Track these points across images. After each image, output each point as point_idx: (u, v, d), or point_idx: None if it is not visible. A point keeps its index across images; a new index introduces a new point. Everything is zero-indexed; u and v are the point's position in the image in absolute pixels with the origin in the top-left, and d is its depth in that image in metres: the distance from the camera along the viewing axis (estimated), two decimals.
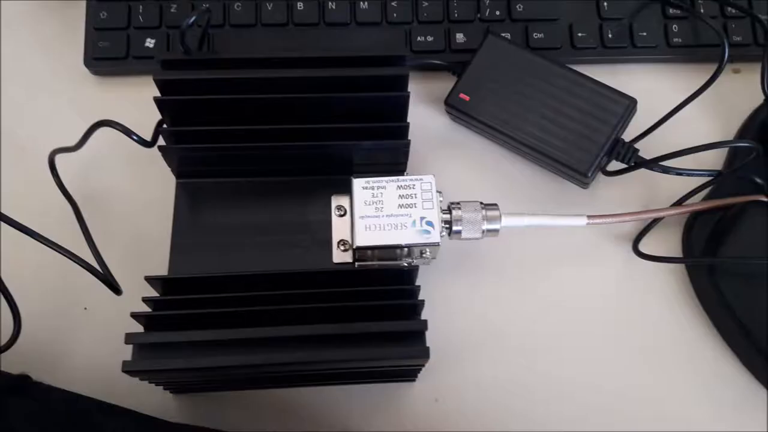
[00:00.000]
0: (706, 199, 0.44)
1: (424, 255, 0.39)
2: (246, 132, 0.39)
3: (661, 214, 0.43)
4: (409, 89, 0.39)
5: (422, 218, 0.38)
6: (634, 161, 0.43)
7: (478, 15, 0.48)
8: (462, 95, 0.45)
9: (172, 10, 0.47)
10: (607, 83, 0.43)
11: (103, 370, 0.41)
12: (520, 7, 0.48)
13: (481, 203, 0.40)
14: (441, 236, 0.38)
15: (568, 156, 0.43)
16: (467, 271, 0.44)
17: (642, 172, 0.43)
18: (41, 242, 0.36)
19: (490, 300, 0.43)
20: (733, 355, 0.42)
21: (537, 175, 0.46)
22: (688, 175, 0.43)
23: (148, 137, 0.41)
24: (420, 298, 0.35)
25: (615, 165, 0.44)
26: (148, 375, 0.35)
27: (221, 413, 0.41)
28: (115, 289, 0.38)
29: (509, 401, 0.41)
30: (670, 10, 0.48)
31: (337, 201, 0.41)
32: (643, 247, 0.43)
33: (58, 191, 0.42)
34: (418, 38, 0.47)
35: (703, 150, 0.41)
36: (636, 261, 0.43)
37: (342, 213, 0.41)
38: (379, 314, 0.34)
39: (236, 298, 0.35)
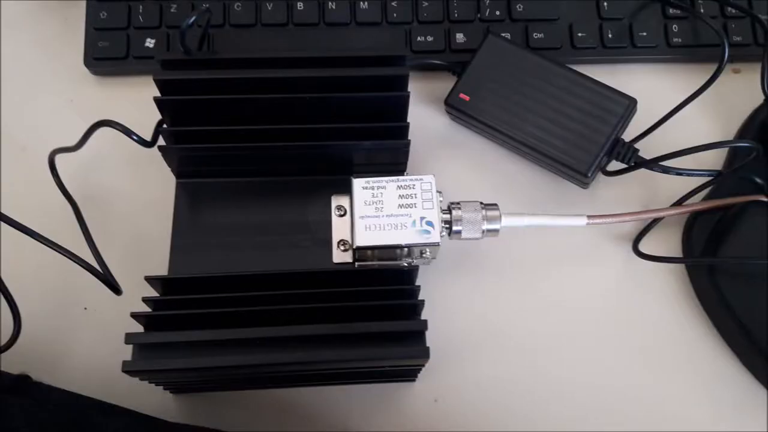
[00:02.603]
0: (706, 199, 0.44)
1: (424, 255, 0.39)
2: (246, 132, 0.39)
3: (661, 214, 0.43)
4: (409, 89, 0.39)
5: (422, 218, 0.38)
6: (634, 161, 0.43)
7: (478, 15, 0.48)
8: (462, 95, 0.45)
9: (172, 10, 0.47)
10: (607, 83, 0.43)
11: (103, 370, 0.41)
12: (520, 7, 0.48)
13: (481, 203, 0.40)
14: (441, 236, 0.38)
15: (568, 156, 0.43)
16: (467, 271, 0.44)
17: (642, 172, 0.43)
18: (41, 242, 0.36)
19: (490, 300, 0.43)
20: (733, 355, 0.42)
21: (537, 175, 0.46)
22: (688, 175, 0.43)
23: (148, 137, 0.41)
24: (420, 298, 0.35)
25: (615, 165, 0.44)
26: (148, 375, 0.35)
27: (221, 413, 0.41)
28: (115, 289, 0.38)
29: (509, 401, 0.41)
30: (670, 10, 0.48)
31: (337, 201, 0.41)
32: (643, 247, 0.43)
33: (58, 191, 0.42)
34: (418, 38, 0.47)
35: (703, 150, 0.41)
36: (636, 261, 0.43)
37: (342, 213, 0.41)
38: (379, 314, 0.34)
39: (236, 298, 0.35)
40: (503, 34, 0.46)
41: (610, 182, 0.45)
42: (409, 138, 0.41)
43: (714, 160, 0.45)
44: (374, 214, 0.38)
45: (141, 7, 0.47)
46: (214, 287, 0.36)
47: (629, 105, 0.43)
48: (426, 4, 0.48)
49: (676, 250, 0.44)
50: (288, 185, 0.42)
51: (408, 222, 0.38)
